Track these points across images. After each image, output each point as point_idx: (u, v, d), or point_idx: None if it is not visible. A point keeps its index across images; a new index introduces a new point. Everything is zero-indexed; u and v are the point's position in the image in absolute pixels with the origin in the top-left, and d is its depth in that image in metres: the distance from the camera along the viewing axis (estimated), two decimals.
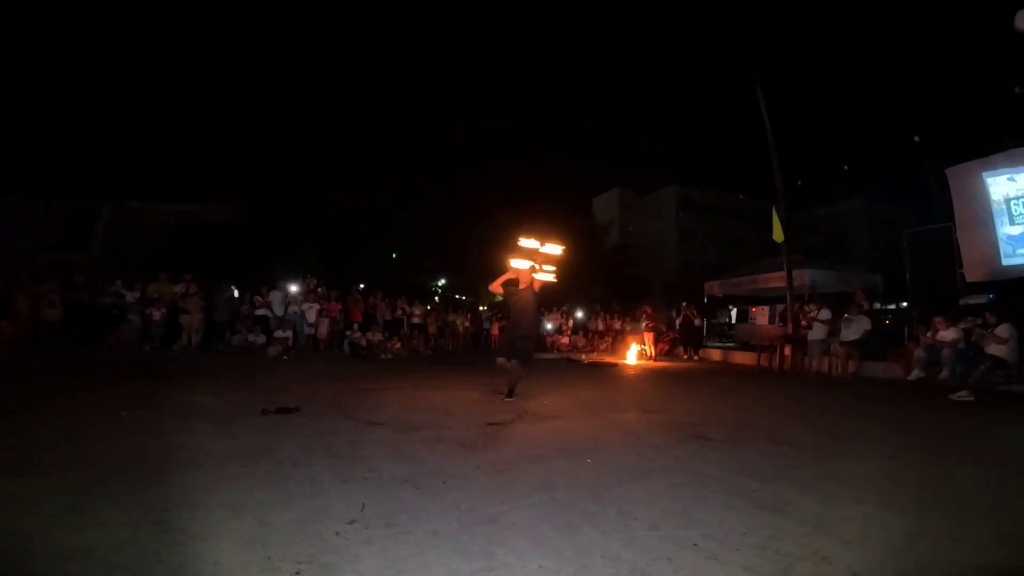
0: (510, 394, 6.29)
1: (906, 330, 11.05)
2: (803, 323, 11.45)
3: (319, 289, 13.52)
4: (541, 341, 15.46)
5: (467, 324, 16.76)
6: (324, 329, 12.95)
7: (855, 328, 10.12)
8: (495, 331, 16.65)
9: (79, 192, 22.17)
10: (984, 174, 10.69)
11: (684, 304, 15.76)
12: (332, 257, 19.43)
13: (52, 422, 4.25)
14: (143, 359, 9.57)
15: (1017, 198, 10.22)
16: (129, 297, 11.87)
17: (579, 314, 19.63)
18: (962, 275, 10.88)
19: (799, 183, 13.51)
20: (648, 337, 14.71)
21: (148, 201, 22.95)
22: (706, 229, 42.94)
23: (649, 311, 15.21)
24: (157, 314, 11.59)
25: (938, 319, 8.80)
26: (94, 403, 5.14)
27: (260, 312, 12.61)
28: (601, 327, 18.45)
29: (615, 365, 12.34)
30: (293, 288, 13.62)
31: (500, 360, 6.48)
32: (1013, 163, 10.26)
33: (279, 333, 12.03)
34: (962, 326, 8.57)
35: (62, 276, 11.90)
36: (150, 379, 7.08)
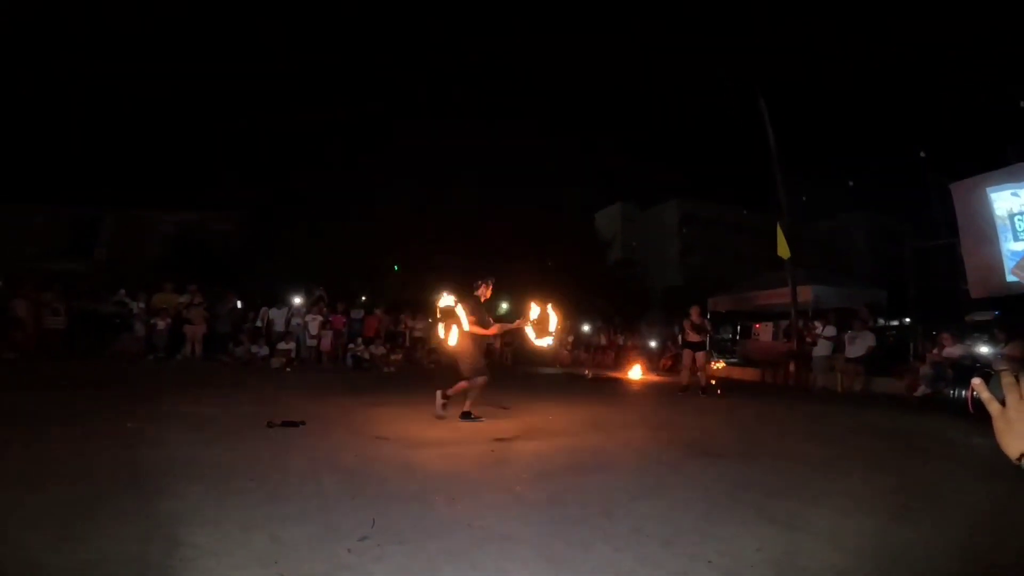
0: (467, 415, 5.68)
1: (911, 346, 11.01)
2: (808, 339, 11.42)
3: (322, 302, 13.48)
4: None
5: None
6: (328, 342, 12.93)
7: (859, 344, 10.09)
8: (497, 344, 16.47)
9: (82, 199, 22.26)
10: (988, 189, 10.69)
11: (685, 320, 15.68)
12: (336, 269, 19.45)
13: (57, 433, 4.24)
14: (147, 369, 9.56)
15: (1021, 213, 10.19)
16: (134, 307, 11.89)
17: (584, 328, 19.57)
18: (966, 291, 10.85)
19: (804, 198, 13.54)
20: (699, 358, 9.57)
21: (151, 209, 23.07)
22: (708, 243, 43.00)
23: (696, 314, 9.82)
24: (161, 324, 11.61)
25: (944, 335, 8.78)
26: (99, 414, 5.12)
27: (260, 324, 12.62)
28: (604, 342, 18.40)
29: (619, 380, 12.29)
30: (296, 300, 13.63)
31: (481, 380, 5.78)
32: (1016, 178, 10.26)
33: (282, 345, 12.02)
34: (967, 342, 8.55)
35: (66, 284, 11.95)
36: (155, 390, 7.07)
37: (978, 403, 0.82)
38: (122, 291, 12.22)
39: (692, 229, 44.70)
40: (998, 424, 0.78)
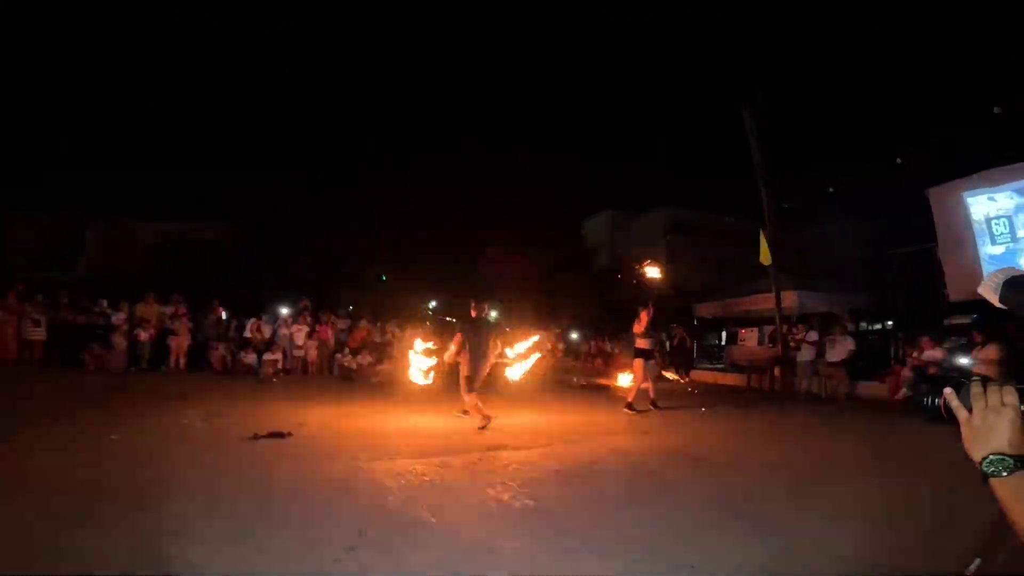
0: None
1: (892, 350, 11.18)
2: (791, 344, 11.56)
3: (307, 312, 13.39)
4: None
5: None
6: (313, 352, 12.84)
7: (840, 349, 10.23)
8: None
9: (66, 207, 21.89)
10: (964, 194, 10.91)
11: (674, 326, 15.79)
12: (324, 278, 19.37)
13: (40, 446, 4.18)
14: (130, 381, 9.43)
15: (997, 217, 10.42)
16: (115, 318, 11.74)
17: (572, 336, 19.64)
18: (946, 295, 11.05)
19: (786, 206, 13.72)
20: (649, 368, 8.23)
21: (136, 218, 22.79)
22: (696, 250, 43.29)
23: (645, 317, 8.20)
24: (144, 335, 11.48)
25: (924, 339, 8.93)
26: (82, 426, 5.06)
27: (248, 335, 12.52)
28: (593, 350, 18.46)
29: (608, 388, 12.33)
30: (284, 311, 13.54)
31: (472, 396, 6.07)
32: (992, 183, 10.50)
33: (268, 355, 11.92)
34: (946, 346, 8.71)
35: (47, 295, 11.77)
36: (138, 401, 6.98)
37: (950, 410, 0.88)
38: (103, 302, 12.05)
39: (679, 236, 44.98)
40: (965, 431, 0.85)
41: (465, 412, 6.22)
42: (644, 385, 8.13)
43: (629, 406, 7.77)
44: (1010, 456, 0.80)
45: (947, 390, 0.88)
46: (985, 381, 0.85)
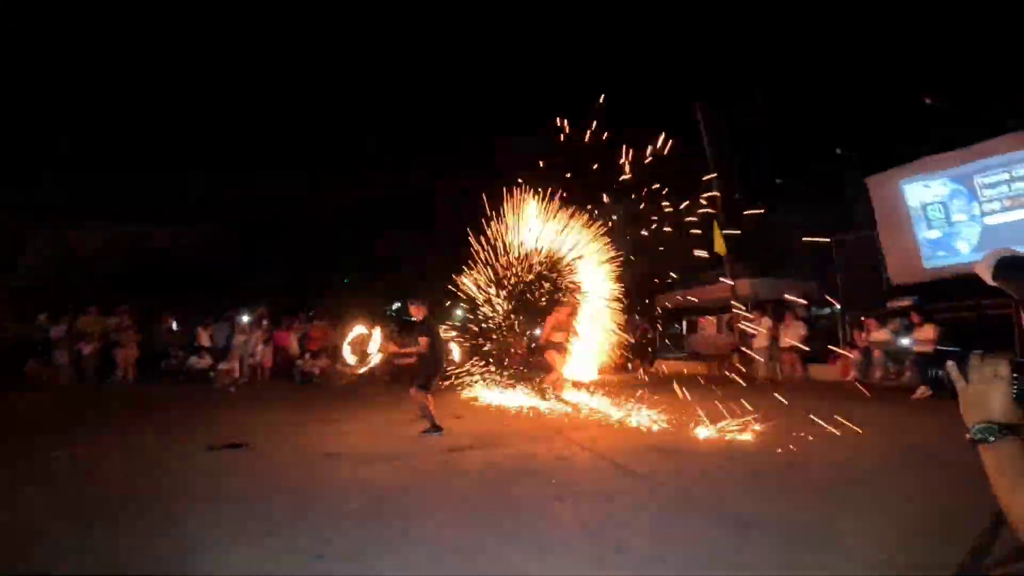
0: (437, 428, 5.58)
1: (840, 333, 11.67)
2: (749, 332, 11.90)
3: (264, 319, 13.01)
4: None
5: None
6: (268, 359, 12.48)
7: (792, 334, 10.63)
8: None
9: (5, 209, 20.51)
10: (901, 182, 11.48)
11: (638, 319, 16.01)
12: (291, 283, 18.89)
13: None
14: (75, 396, 8.96)
15: (933, 203, 11.00)
16: (54, 331, 11.11)
17: (536, 332, 19.68)
18: (888, 279, 11.58)
19: (737, 196, 14.11)
20: (555, 358, 8.29)
21: (83, 222, 21.59)
22: (655, 243, 43.87)
23: (565, 313, 8.57)
24: (87, 349, 10.93)
25: (869, 321, 9.34)
26: (25, 442, 4.78)
27: (200, 344, 12.08)
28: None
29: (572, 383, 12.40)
30: (244, 318, 13.11)
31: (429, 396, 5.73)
32: (926, 170, 11.07)
33: (223, 364, 11.52)
34: (890, 327, 9.14)
35: None
36: (85, 416, 6.64)
37: (947, 381, 0.95)
38: (43, 315, 11.40)
39: (638, 229, 45.49)
40: (963, 398, 0.92)
41: (438, 428, 5.59)
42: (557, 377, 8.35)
43: (556, 396, 8.07)
44: (997, 424, 0.85)
45: (949, 363, 0.94)
46: (984, 355, 0.90)
